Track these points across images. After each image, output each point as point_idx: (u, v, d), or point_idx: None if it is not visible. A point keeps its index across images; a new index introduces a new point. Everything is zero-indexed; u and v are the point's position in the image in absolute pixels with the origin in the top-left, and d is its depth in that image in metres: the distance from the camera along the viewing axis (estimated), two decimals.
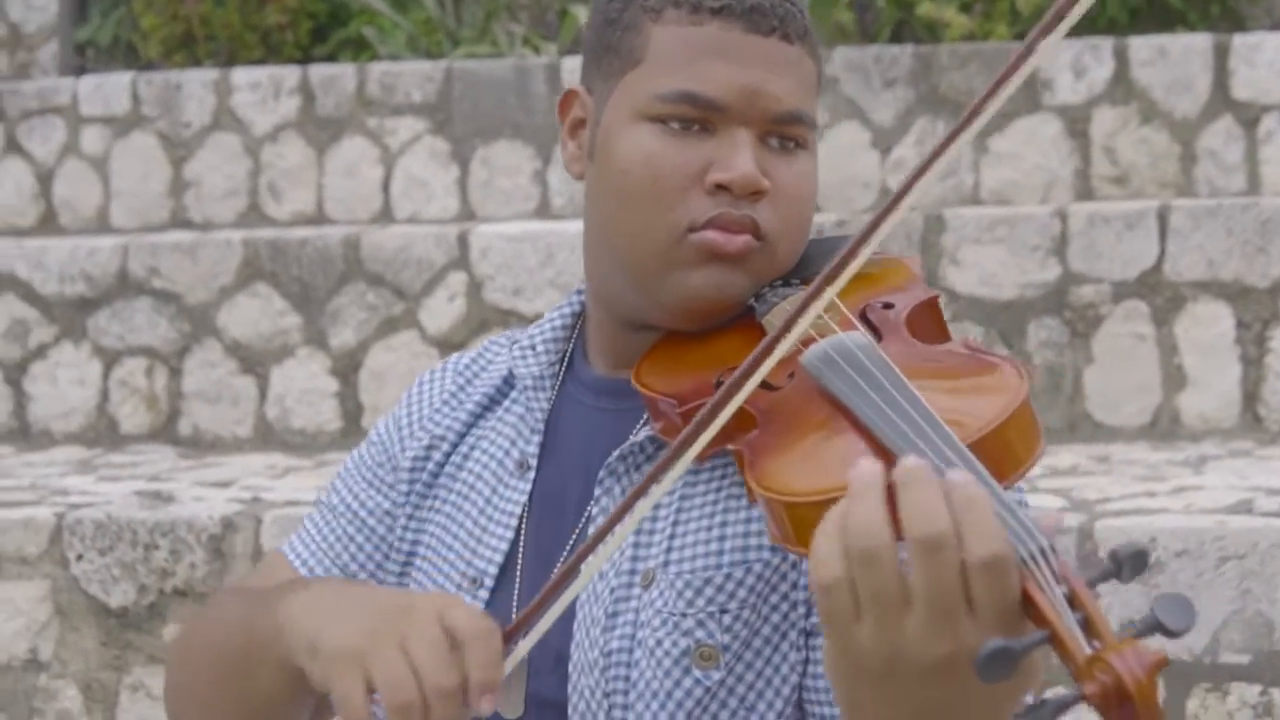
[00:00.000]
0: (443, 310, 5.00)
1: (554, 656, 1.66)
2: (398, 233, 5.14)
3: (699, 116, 1.64)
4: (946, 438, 1.32)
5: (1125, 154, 5.50)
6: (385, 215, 5.90)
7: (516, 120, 5.84)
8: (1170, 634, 1.18)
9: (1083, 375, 4.66)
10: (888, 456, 1.32)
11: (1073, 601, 1.19)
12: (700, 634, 1.59)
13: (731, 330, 1.66)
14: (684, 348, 1.67)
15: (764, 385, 1.49)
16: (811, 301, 1.45)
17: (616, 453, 1.67)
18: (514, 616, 1.67)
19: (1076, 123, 5.53)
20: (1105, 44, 5.54)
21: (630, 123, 1.66)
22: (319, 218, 5.93)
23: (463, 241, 5.00)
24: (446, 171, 5.89)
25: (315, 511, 1.89)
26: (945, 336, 1.62)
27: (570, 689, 1.64)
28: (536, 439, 1.76)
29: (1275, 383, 4.56)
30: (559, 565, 1.66)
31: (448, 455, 1.81)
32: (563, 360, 1.80)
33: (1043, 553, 1.22)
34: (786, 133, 1.67)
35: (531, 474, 1.74)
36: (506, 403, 1.81)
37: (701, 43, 1.65)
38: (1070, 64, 5.52)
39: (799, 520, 1.36)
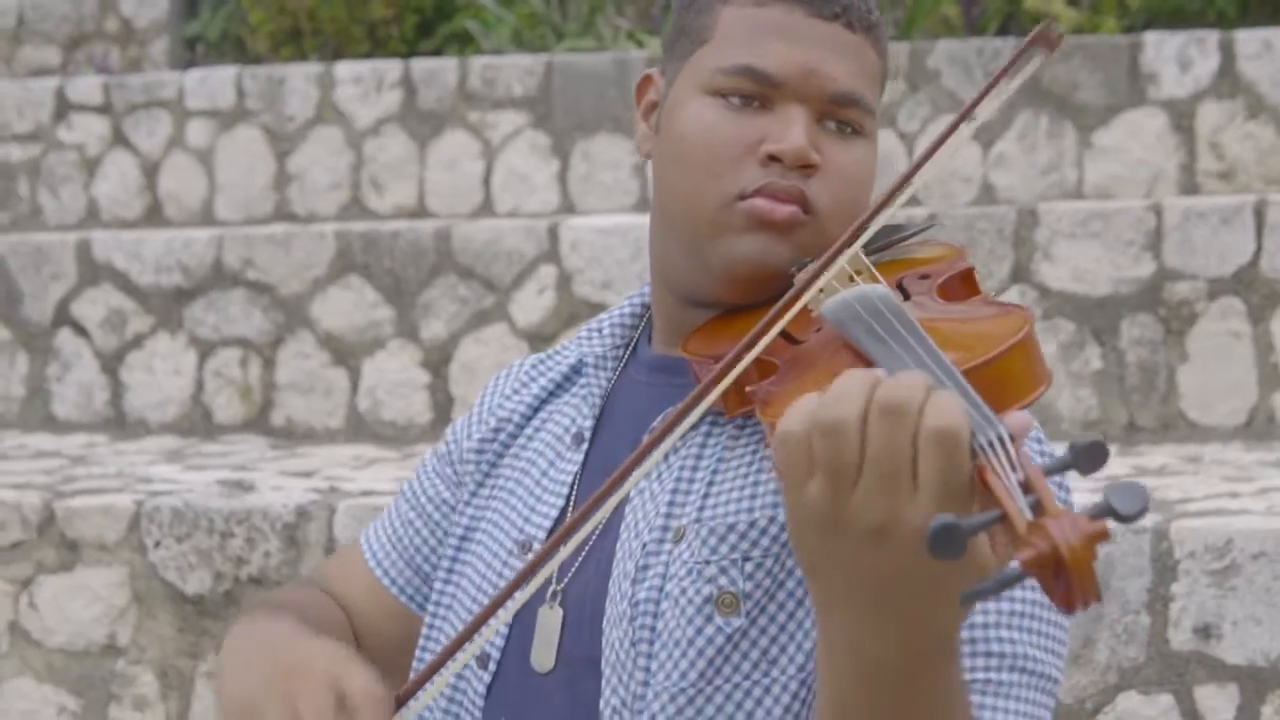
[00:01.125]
0: (533, 303, 4.99)
1: (591, 614, 1.70)
2: (488, 225, 5.14)
3: (757, 91, 1.70)
4: (944, 365, 1.37)
5: (1231, 149, 5.39)
6: (486, 209, 5.90)
7: (616, 113, 5.82)
8: (1122, 518, 1.18)
9: (1176, 374, 4.57)
10: None
11: (1026, 486, 1.21)
12: (723, 580, 1.62)
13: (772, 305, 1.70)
14: (732, 320, 1.71)
15: (789, 338, 1.56)
16: (835, 255, 1.55)
17: (660, 416, 1.70)
18: (554, 573, 1.74)
19: (1182, 117, 5.44)
20: (1211, 37, 5.44)
21: (694, 95, 1.73)
22: (420, 211, 5.95)
23: (553, 234, 4.99)
24: (547, 165, 5.88)
25: (396, 498, 1.98)
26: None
27: (604, 643, 1.68)
28: (592, 414, 1.82)
29: None
30: (598, 532, 1.71)
31: (513, 437, 1.88)
32: (628, 346, 1.86)
33: (1001, 440, 1.25)
34: (843, 115, 1.71)
35: (585, 445, 1.80)
36: (573, 389, 1.87)
37: (765, 22, 1.71)
38: (1175, 57, 5.42)
39: None
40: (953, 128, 1.57)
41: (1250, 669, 3.37)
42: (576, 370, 1.88)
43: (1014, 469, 1.23)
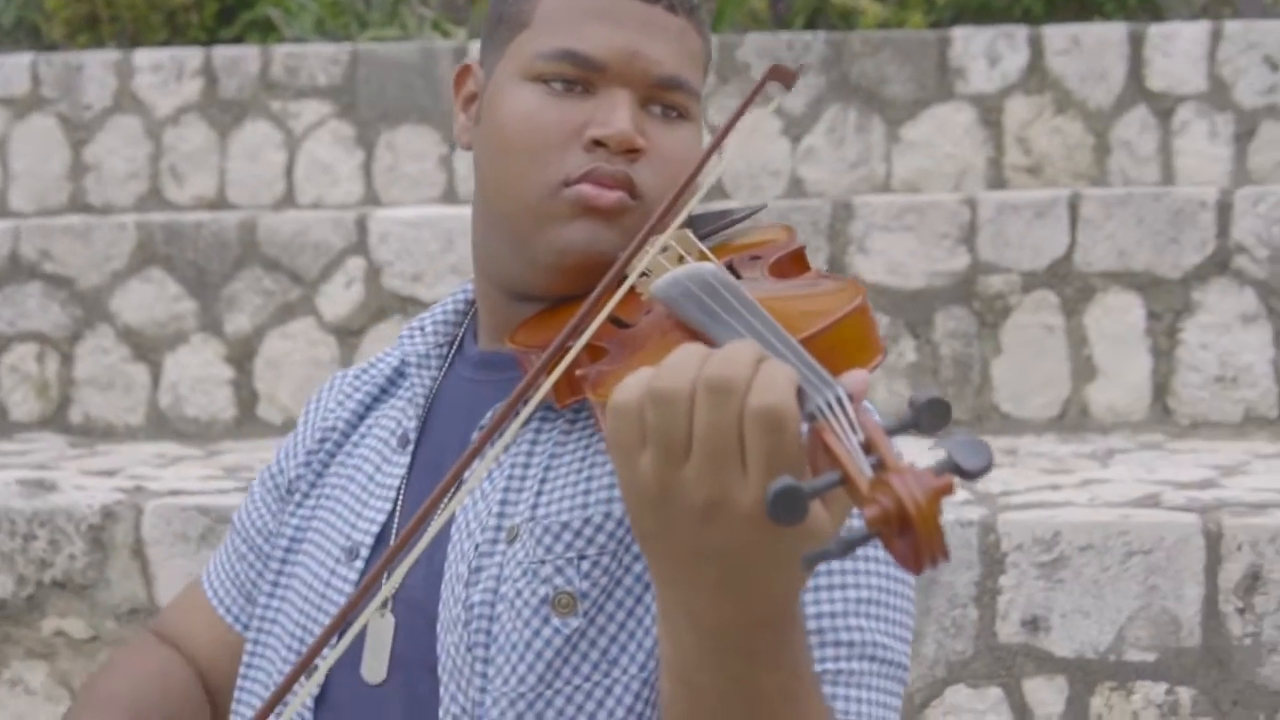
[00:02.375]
0: (341, 296, 4.88)
1: (424, 619, 1.64)
2: (294, 217, 5.02)
3: (579, 76, 1.66)
4: (779, 334, 1.34)
5: (1039, 144, 5.43)
6: (288, 200, 5.79)
7: (423, 104, 5.74)
8: (965, 474, 1.16)
9: (990, 366, 4.58)
10: None
11: (868, 446, 1.19)
12: (559, 580, 1.58)
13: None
14: (559, 311, 1.67)
15: (617, 323, 1.53)
16: (650, 235, 1.53)
17: (490, 413, 1.64)
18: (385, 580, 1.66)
19: (990, 111, 5.47)
20: (1020, 32, 5.48)
21: (514, 84, 1.68)
22: (220, 202, 5.82)
23: (361, 226, 4.89)
24: (351, 156, 5.78)
25: (229, 530, 1.93)
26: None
27: (439, 648, 1.62)
28: (418, 414, 1.76)
29: (1186, 375, 4.49)
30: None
31: (339, 445, 1.83)
32: (452, 344, 1.80)
33: (840, 401, 1.23)
34: (668, 99, 1.68)
35: (410, 447, 1.75)
36: (398, 390, 1.81)
37: (585, 5, 1.67)
38: (984, 52, 5.45)
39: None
40: (702, 161, 1.59)
41: (1079, 661, 3.36)
42: (400, 373, 1.83)
43: (854, 430, 1.20)
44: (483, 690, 1.58)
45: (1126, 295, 4.52)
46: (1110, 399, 4.53)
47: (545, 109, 1.65)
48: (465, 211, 4.94)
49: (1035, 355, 4.55)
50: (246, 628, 1.85)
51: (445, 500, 1.47)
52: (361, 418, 1.82)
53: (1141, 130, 5.39)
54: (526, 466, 1.64)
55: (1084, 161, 5.40)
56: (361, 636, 1.66)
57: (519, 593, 1.58)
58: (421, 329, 1.80)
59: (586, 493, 1.61)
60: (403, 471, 1.74)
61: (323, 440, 1.83)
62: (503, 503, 1.63)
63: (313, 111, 5.80)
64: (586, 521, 1.59)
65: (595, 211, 1.63)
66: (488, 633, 1.59)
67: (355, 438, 1.81)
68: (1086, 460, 4.09)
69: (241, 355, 4.93)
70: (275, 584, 1.79)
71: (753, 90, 1.57)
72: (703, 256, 1.59)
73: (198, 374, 4.94)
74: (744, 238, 1.71)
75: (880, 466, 1.17)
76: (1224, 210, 4.48)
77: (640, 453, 1.28)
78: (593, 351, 1.52)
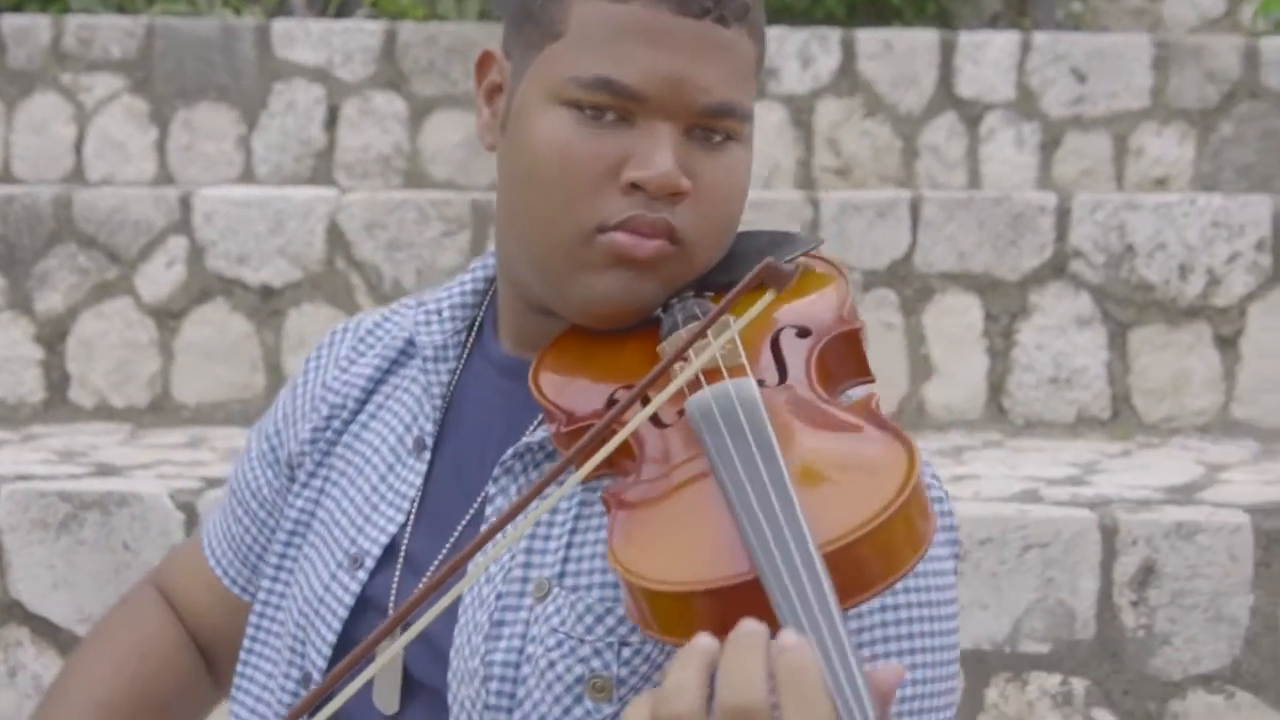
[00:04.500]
0: (161, 276, 4.72)
1: (435, 654, 1.54)
2: (112, 193, 4.84)
3: (618, 105, 1.49)
4: (803, 547, 1.19)
5: (848, 145, 5.50)
6: (77, 176, 5.58)
7: (222, 82, 5.59)
8: None
9: None
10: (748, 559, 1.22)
11: None
12: (596, 663, 1.47)
13: (634, 339, 1.54)
14: (587, 348, 1.55)
15: (653, 420, 1.39)
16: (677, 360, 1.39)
17: (511, 450, 1.55)
18: (391, 596, 1.59)
19: (801, 112, 5.51)
20: (832, 35, 5.54)
21: (545, 104, 1.52)
22: (5, 176, 5.59)
23: (185, 204, 4.74)
24: (145, 133, 5.60)
25: (227, 490, 1.82)
26: (862, 372, 1.51)
27: (451, 699, 1.52)
28: (435, 416, 1.65)
29: (1021, 375, 4.58)
30: (440, 556, 1.58)
31: (346, 424, 1.71)
32: (471, 329, 1.68)
33: None
34: (715, 125, 1.52)
35: (428, 454, 1.64)
36: (410, 370, 1.70)
37: (625, 23, 1.49)
38: (797, 53, 5.49)
39: (655, 606, 1.26)
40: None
41: (975, 653, 3.41)
42: (413, 345, 1.70)
43: None
44: None
45: (965, 296, 4.60)
46: (946, 398, 4.61)
47: (579, 141, 1.49)
48: (293, 192, 4.88)
49: (874, 354, 4.58)
50: (252, 595, 1.77)
51: (448, 584, 1.33)
52: (370, 393, 1.71)
53: (950, 136, 5.49)
54: (552, 512, 1.52)
55: (892, 164, 5.48)
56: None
57: (551, 664, 1.48)
58: (439, 314, 1.67)
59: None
60: (418, 481, 1.63)
61: (329, 418, 1.71)
62: (528, 550, 1.52)
63: (105, 86, 5.60)
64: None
65: (633, 263, 1.50)
66: (511, 696, 1.49)
67: (364, 417, 1.70)
68: (939, 458, 4.15)
69: (53, 335, 4.74)
70: (279, 567, 1.71)
71: (740, 285, 1.39)
72: (748, 358, 1.43)
73: (5, 354, 4.73)
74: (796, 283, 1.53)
75: None
76: (1062, 216, 4.58)
77: None
78: (624, 449, 1.38)
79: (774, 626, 1.14)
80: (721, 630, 1.15)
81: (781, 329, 1.48)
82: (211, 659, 1.82)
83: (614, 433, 1.36)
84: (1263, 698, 3.38)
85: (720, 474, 1.28)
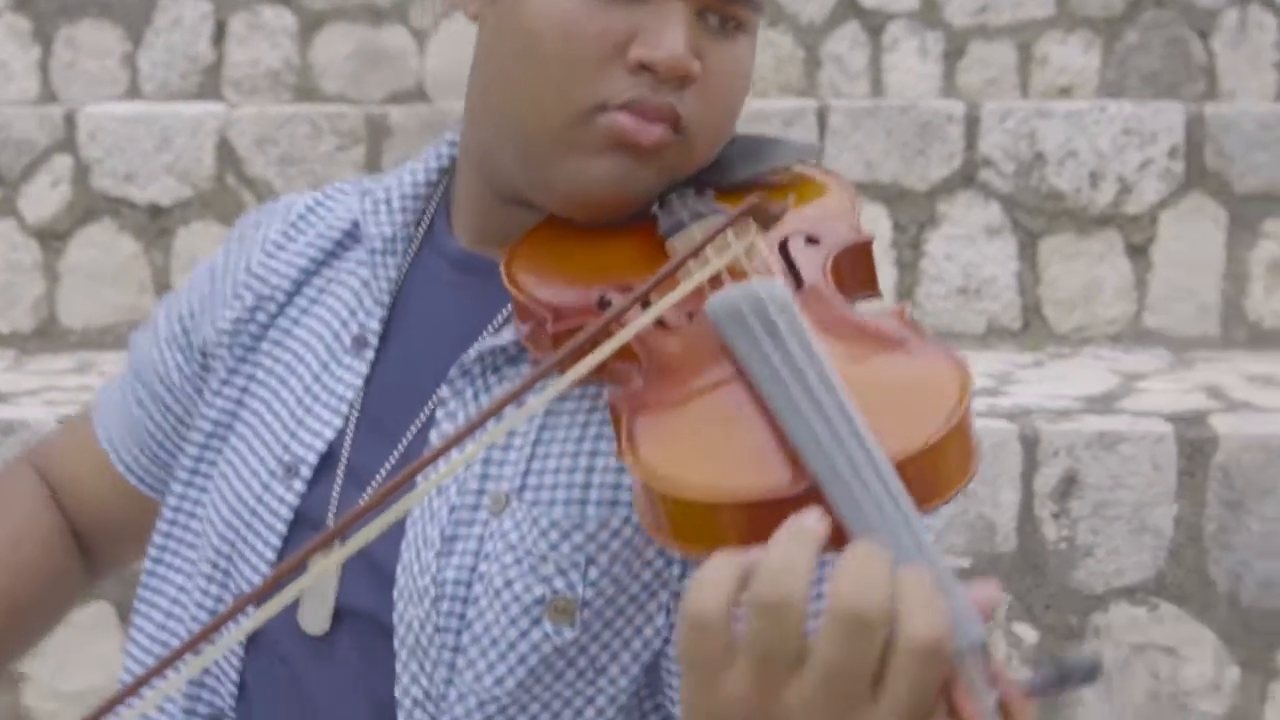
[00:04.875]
0: (45, 197, 4.58)
1: (376, 575, 1.41)
2: None
3: None
4: (871, 456, 1.09)
5: None
6: None
7: None
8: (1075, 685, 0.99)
9: None
10: (796, 464, 1.11)
11: (1004, 713, 0.99)
12: (559, 583, 1.35)
13: (626, 235, 1.41)
14: (568, 242, 1.42)
15: (656, 324, 1.27)
16: (712, 239, 1.27)
17: (475, 351, 1.41)
18: (331, 509, 1.45)
19: None
20: None
21: None
22: None
23: (70, 122, 4.60)
24: (27, 52, 5.42)
25: (126, 368, 1.65)
26: (873, 287, 1.39)
27: (397, 619, 1.39)
28: (380, 312, 1.50)
29: (930, 286, 4.51)
30: (387, 466, 1.44)
31: (274, 316, 1.55)
32: (420, 223, 1.54)
33: (978, 649, 1.00)
34: (729, 11, 1.39)
35: (370, 353, 1.49)
36: (349, 262, 1.55)
37: None
38: None
39: (682, 518, 1.14)
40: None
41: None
42: (353, 237, 1.56)
43: (990, 685, 1.00)
44: (448, 681, 1.38)
45: (873, 206, 4.52)
46: None
47: (585, 16, 1.36)
48: (181, 109, 4.74)
49: None
50: (151, 489, 1.64)
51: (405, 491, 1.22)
52: (301, 285, 1.56)
53: (852, 46, 5.39)
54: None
55: (794, 75, 5.38)
56: (301, 570, 1.40)
57: (508, 583, 1.36)
58: (387, 204, 1.52)
59: (589, 471, 1.37)
60: (357, 381, 1.48)
61: (254, 308, 1.55)
62: (485, 461, 1.39)
63: None
64: (602, 525, 1.36)
65: (633, 148, 1.36)
66: (461, 617, 1.37)
67: (294, 311, 1.55)
68: None
69: None
70: (194, 472, 1.55)
71: (727, 220, 1.30)
72: (764, 260, 1.32)
73: None
74: (791, 186, 1.44)
75: None
76: (971, 124, 4.50)
77: (726, 670, 1.02)
78: (624, 354, 1.25)
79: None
80: (750, 545, 1.04)
81: (789, 236, 1.37)
82: (89, 546, 1.69)
83: (609, 335, 1.23)
84: (1187, 609, 3.33)
85: (758, 378, 1.17)
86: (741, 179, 1.42)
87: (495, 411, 1.18)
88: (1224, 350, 4.38)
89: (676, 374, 1.23)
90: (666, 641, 1.36)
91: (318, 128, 4.54)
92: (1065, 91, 5.34)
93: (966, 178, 4.49)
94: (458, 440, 1.18)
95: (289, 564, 1.17)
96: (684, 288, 1.25)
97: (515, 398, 1.19)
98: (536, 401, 1.21)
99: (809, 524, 1.02)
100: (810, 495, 1.07)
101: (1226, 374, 4.02)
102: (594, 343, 1.22)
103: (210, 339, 1.57)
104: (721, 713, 1.03)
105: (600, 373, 1.25)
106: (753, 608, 1.00)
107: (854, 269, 1.36)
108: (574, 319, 1.31)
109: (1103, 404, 3.61)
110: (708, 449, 1.16)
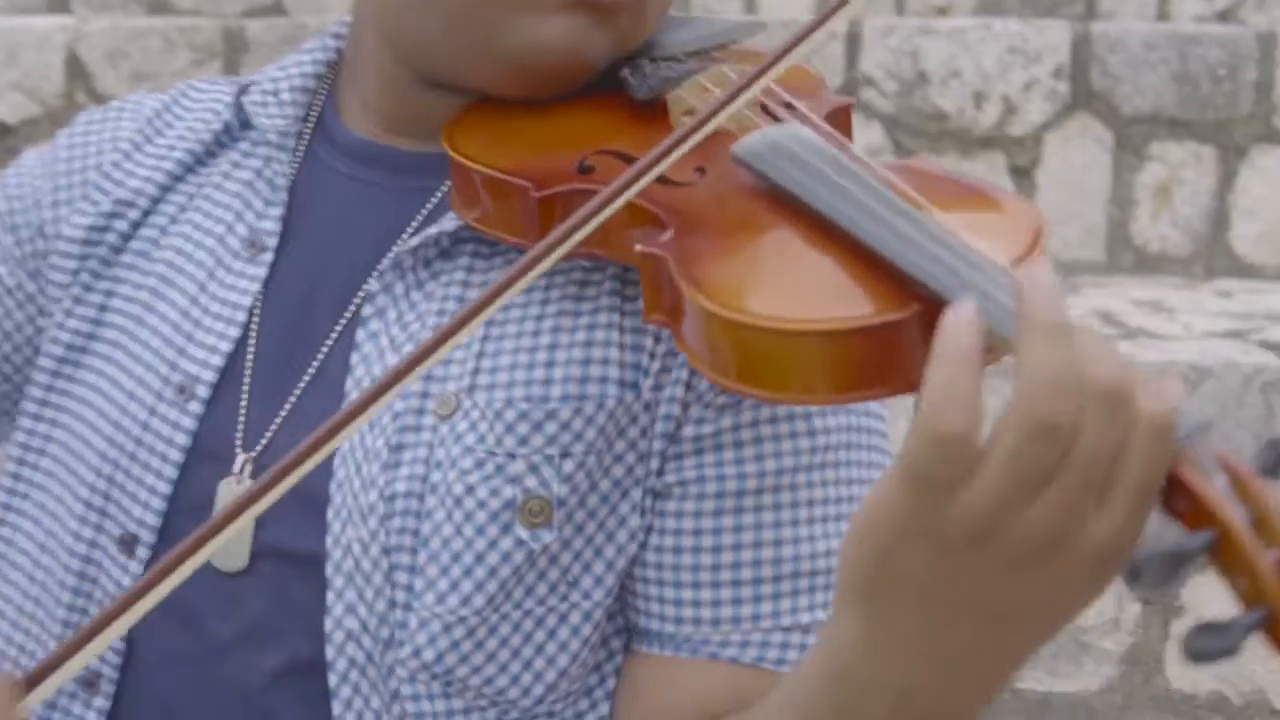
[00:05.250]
0: None
1: (301, 498, 1.19)
2: None
3: None
4: (987, 261, 1.01)
5: None
6: None
7: None
8: None
9: None
10: (895, 285, 1.03)
11: (1239, 493, 0.93)
12: (531, 482, 1.23)
13: (590, 104, 1.31)
14: (515, 117, 1.30)
15: (661, 180, 1.17)
16: (760, 76, 1.16)
17: (416, 240, 1.29)
18: (238, 433, 1.30)
19: None
20: None
21: None
22: None
23: None
24: None
25: None
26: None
27: (331, 541, 1.25)
28: (275, 211, 1.36)
29: None
30: (309, 375, 1.30)
31: (136, 225, 1.40)
32: (308, 118, 1.41)
33: (1201, 429, 0.95)
34: None
35: (268, 255, 1.35)
36: (223, 163, 1.41)
37: None
38: None
39: (779, 354, 1.04)
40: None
41: None
42: (229, 134, 1.42)
43: (1217, 469, 0.94)
44: (407, 608, 1.24)
45: None
46: None
47: None
48: (29, 22, 4.53)
49: None
50: None
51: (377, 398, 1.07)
52: (167, 190, 1.41)
53: None
54: (461, 301, 1.28)
55: None
56: (208, 504, 1.29)
57: (470, 489, 1.23)
58: (275, 95, 1.39)
59: (548, 381, 1.26)
60: (254, 287, 1.34)
61: (112, 215, 1.39)
62: None
63: None
64: (577, 411, 1.25)
65: (590, 7, 1.26)
66: (415, 534, 1.24)
67: (161, 220, 1.40)
68: None
69: None
70: (44, 403, 1.38)
71: (759, 70, 1.21)
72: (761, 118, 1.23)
73: None
74: (752, 58, 1.34)
75: (1261, 529, 0.91)
76: (852, 41, 4.39)
77: (964, 488, 0.95)
78: (632, 213, 1.16)
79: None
80: (837, 380, 1.01)
81: (765, 101, 1.27)
82: None
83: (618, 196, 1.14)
84: None
85: (832, 208, 1.08)
86: (694, 50, 1.33)
87: (487, 303, 1.07)
88: (1110, 275, 4.31)
89: (713, 224, 1.14)
90: (642, 546, 1.26)
91: (171, 42, 4.40)
92: (943, 11, 5.25)
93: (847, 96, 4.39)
94: (455, 330, 1.06)
95: (251, 493, 1.03)
96: (692, 141, 1.14)
97: (508, 284, 1.07)
98: (523, 284, 1.10)
99: (966, 345, 0.93)
100: (933, 309, 0.99)
101: (1115, 299, 3.95)
102: (601, 207, 1.11)
103: (51, 247, 1.41)
104: (941, 527, 0.95)
105: (599, 245, 1.16)
106: (1021, 429, 0.92)
107: (844, 131, 1.28)
108: (560, 184, 1.21)
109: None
110: (788, 281, 1.08)
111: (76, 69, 4.37)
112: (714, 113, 1.15)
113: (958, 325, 0.92)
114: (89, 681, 1.31)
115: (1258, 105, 4.38)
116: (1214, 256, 4.37)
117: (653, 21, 1.31)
